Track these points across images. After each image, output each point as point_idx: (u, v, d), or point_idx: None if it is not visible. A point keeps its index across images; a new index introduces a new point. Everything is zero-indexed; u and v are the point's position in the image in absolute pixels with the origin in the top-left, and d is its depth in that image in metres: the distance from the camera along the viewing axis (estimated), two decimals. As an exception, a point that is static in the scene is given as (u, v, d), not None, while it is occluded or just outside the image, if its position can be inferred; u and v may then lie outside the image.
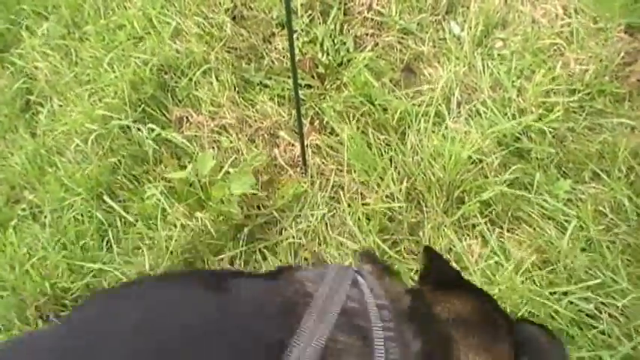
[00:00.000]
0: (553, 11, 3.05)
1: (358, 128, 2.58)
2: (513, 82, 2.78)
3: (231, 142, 2.59)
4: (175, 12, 3.09)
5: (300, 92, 2.77)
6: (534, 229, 2.34)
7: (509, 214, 2.38)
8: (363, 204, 2.38)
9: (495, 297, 1.45)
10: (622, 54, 2.85)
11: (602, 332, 2.11)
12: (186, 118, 2.73)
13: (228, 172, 2.44)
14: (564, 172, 2.53)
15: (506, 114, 2.67)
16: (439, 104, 2.67)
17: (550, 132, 2.58)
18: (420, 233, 2.32)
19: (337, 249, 2.34)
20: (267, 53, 2.96)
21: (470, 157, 2.41)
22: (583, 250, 2.27)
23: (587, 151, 2.52)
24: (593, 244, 2.28)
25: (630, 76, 2.87)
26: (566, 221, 2.34)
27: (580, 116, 2.66)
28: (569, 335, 2.09)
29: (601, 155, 2.52)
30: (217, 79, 2.78)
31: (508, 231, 2.35)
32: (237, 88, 2.78)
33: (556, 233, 2.31)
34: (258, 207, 2.43)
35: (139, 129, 2.69)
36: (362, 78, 2.70)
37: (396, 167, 2.47)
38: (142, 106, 2.76)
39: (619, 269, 2.19)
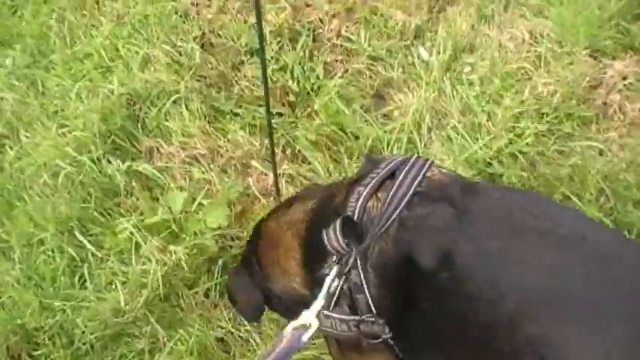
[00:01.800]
0: (520, 36, 3.15)
1: (331, 156, 2.64)
2: (483, 106, 2.86)
3: (202, 172, 2.62)
4: (143, 40, 3.12)
5: (272, 120, 2.83)
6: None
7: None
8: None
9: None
10: (587, 77, 2.96)
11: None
12: (157, 148, 2.76)
13: (201, 204, 2.48)
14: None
15: (476, 139, 2.75)
16: (411, 131, 2.75)
17: (520, 156, 2.66)
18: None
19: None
20: (236, 81, 3.00)
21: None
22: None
23: (558, 175, 2.61)
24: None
25: (596, 99, 2.98)
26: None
27: (549, 140, 2.75)
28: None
29: (571, 178, 2.61)
30: (187, 109, 2.81)
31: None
32: (207, 118, 2.82)
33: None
34: (232, 238, 2.47)
35: (109, 161, 2.71)
36: (333, 106, 2.76)
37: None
38: (112, 137, 2.78)
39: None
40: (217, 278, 2.37)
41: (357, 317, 1.45)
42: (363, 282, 1.41)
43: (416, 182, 1.42)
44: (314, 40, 3.11)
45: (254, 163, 2.65)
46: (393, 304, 1.42)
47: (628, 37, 3.19)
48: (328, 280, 1.43)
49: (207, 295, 2.38)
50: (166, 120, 2.82)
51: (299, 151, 2.70)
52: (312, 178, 2.60)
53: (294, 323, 1.38)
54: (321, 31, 3.15)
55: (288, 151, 2.73)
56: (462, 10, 3.29)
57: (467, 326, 1.28)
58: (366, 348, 1.52)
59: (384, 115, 2.91)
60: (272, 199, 2.57)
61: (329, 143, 2.68)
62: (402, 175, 1.44)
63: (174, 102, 2.85)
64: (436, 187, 1.44)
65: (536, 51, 3.08)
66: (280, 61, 3.00)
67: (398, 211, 1.38)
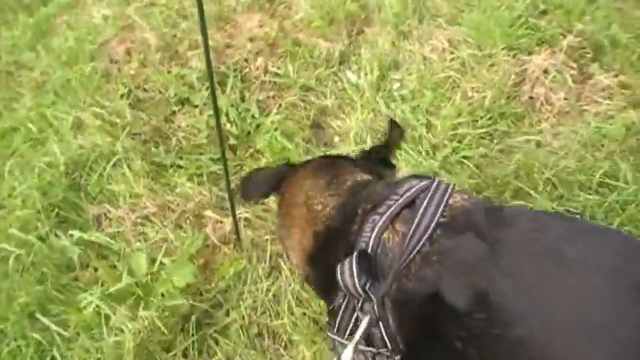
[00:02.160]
0: (440, 46, 3.25)
1: (284, 194, 2.64)
2: (419, 119, 2.93)
3: (157, 231, 2.58)
4: (69, 106, 3.05)
5: (214, 167, 2.81)
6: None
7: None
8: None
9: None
10: (512, 75, 3.07)
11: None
12: (105, 214, 2.70)
13: (162, 263, 2.43)
14: (486, 196, 2.69)
15: (420, 152, 2.81)
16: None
17: (466, 161, 2.74)
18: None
19: (288, 317, 2.37)
20: (172, 133, 2.97)
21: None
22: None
23: (505, 173, 2.69)
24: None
25: (523, 94, 3.10)
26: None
27: (490, 142, 2.84)
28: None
29: (518, 174, 2.69)
30: (130, 169, 2.76)
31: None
32: (151, 175, 2.78)
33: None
34: (200, 293, 2.43)
35: (57, 235, 2.63)
36: (276, 143, 2.77)
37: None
38: (56, 210, 2.70)
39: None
40: (193, 335, 2.32)
41: (373, 349, 1.42)
42: (379, 318, 1.37)
43: (439, 212, 1.34)
44: (242, 81, 3.12)
45: (207, 212, 2.62)
46: (413, 341, 1.37)
47: (539, 32, 3.33)
48: (343, 314, 1.45)
49: (185, 355, 2.33)
50: (109, 184, 2.76)
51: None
52: (269, 217, 2.59)
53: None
54: (247, 70, 3.17)
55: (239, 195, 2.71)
56: (380, 29, 3.37)
57: None
58: None
59: (326, 143, 2.94)
60: (232, 246, 2.54)
61: (279, 180, 2.69)
62: (424, 205, 1.37)
63: (115, 164, 2.80)
64: (460, 215, 1.36)
65: (458, 57, 3.18)
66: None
67: (420, 244, 1.30)
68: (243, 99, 3.04)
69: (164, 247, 2.49)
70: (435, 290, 1.26)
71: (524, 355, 1.13)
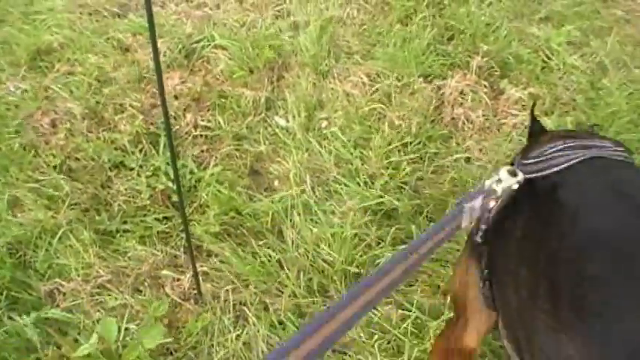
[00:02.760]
0: (360, 81, 3.41)
1: (238, 244, 2.70)
2: (352, 153, 3.06)
3: (115, 298, 2.58)
4: (3, 185, 3.02)
5: (163, 226, 2.84)
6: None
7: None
8: (274, 310, 2.49)
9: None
10: (432, 100, 3.26)
11: None
12: (57, 289, 2.67)
13: (127, 329, 2.44)
14: (429, 217, 2.84)
15: (358, 183, 2.93)
16: (297, 194, 2.87)
17: (405, 187, 2.88)
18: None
19: (261, 363, 2.42)
20: (112, 199, 2.98)
21: (355, 235, 2.63)
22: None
23: (442, 192, 2.86)
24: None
25: (445, 117, 3.28)
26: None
27: (422, 164, 3.00)
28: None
29: (454, 191, 2.86)
30: (77, 240, 2.75)
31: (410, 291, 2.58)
32: (99, 243, 2.77)
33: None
34: (171, 352, 2.44)
35: (10, 318, 2.59)
36: (221, 195, 2.83)
37: (287, 267, 2.61)
38: (5, 292, 2.66)
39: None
40: (169, 396, 2.34)
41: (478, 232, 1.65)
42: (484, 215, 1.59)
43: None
44: (174, 138, 3.16)
45: (164, 272, 2.65)
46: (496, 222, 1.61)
47: (449, 57, 3.55)
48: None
49: (163, 418, 2.34)
50: (57, 258, 2.74)
51: (205, 247, 2.72)
52: (225, 268, 2.64)
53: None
54: (178, 127, 3.22)
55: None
56: (300, 72, 3.50)
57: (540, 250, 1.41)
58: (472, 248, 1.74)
59: (266, 188, 3.02)
60: (194, 301, 2.58)
61: (230, 229, 2.75)
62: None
63: (60, 238, 2.78)
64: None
65: (379, 90, 3.35)
66: (150, 167, 3.03)
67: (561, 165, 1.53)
68: (178, 156, 3.08)
69: (126, 313, 2.50)
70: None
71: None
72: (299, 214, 2.75)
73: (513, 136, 3.20)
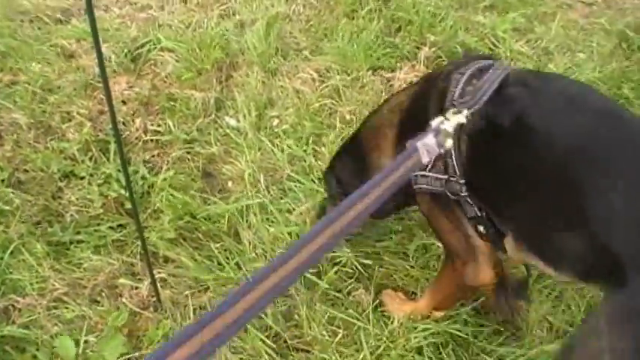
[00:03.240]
0: (309, 77, 3.43)
1: (194, 248, 2.69)
2: (305, 150, 3.07)
3: (72, 310, 2.55)
4: (-52, 202, 2.96)
5: (118, 234, 2.82)
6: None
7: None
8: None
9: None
10: (382, 94, 3.29)
11: None
12: (12, 305, 2.63)
13: (86, 342, 2.42)
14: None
15: (312, 180, 2.95)
16: (252, 195, 2.88)
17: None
18: (296, 316, 2.48)
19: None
20: (63, 209, 2.94)
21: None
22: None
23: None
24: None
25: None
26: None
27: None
28: None
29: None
30: (30, 254, 2.72)
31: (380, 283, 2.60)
32: (53, 255, 2.74)
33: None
34: (134, 361, 2.44)
35: (-36, 337, 2.55)
36: (175, 200, 2.82)
37: (245, 268, 2.61)
38: (-44, 312, 2.61)
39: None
40: (133, 408, 2.33)
41: (446, 177, 1.91)
42: (454, 147, 1.82)
43: (501, 76, 1.86)
44: (124, 144, 3.14)
45: (121, 281, 2.63)
46: (476, 165, 1.87)
47: (397, 49, 3.58)
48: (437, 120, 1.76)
49: None
50: (10, 273, 2.69)
51: (161, 253, 2.71)
52: (183, 274, 2.63)
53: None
54: (127, 132, 3.19)
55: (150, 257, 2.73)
56: (248, 71, 3.50)
57: (530, 168, 1.77)
58: (445, 204, 2.01)
59: (220, 190, 3.02)
60: (153, 309, 2.56)
61: (186, 234, 2.74)
62: (491, 70, 1.89)
63: (12, 252, 2.74)
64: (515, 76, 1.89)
65: (329, 85, 3.37)
66: (101, 175, 3.00)
67: (489, 92, 1.81)
68: (129, 162, 3.06)
69: (85, 326, 2.48)
70: (493, 121, 1.80)
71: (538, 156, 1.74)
72: (255, 215, 2.75)
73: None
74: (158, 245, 2.71)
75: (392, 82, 3.41)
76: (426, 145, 1.59)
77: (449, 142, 1.70)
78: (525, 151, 1.77)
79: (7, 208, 2.89)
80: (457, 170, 1.88)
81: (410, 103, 2.13)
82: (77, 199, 2.97)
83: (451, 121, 1.72)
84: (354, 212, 1.29)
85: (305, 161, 3.02)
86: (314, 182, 2.93)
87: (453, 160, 1.87)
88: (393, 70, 3.51)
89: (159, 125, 3.21)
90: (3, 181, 3.03)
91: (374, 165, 2.24)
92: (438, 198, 2.01)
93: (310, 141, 3.12)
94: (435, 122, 1.70)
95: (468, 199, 1.92)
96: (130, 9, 4.11)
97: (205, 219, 2.77)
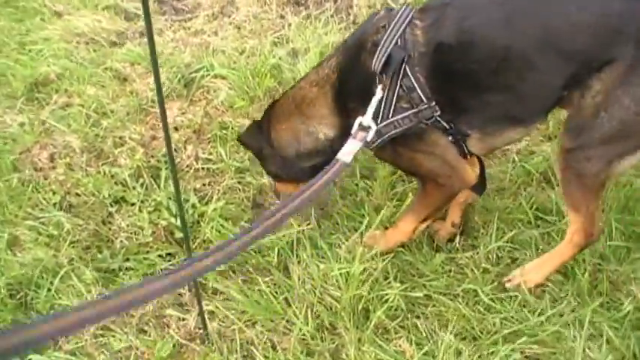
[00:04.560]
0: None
1: (244, 280, 2.71)
2: (357, 183, 3.08)
3: (120, 340, 2.59)
4: (2, 223, 3.03)
5: (167, 262, 2.85)
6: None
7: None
8: (282, 349, 2.50)
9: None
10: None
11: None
12: (60, 331, 2.68)
13: (133, 372, 2.45)
14: (436, 247, 2.86)
15: (363, 215, 2.95)
16: (303, 229, 2.89)
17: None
18: (344, 355, 2.48)
19: (269, 404, 2.43)
20: (114, 235, 2.99)
21: (364, 270, 2.64)
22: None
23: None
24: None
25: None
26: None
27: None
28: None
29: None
30: (79, 279, 2.76)
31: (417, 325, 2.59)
32: (101, 282, 2.78)
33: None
34: (178, 394, 2.46)
35: (12, 361, 2.59)
36: (225, 230, 2.85)
37: (294, 304, 2.62)
38: (6, 335, 2.66)
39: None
40: None
41: (415, 109, 2.32)
42: (414, 82, 2.28)
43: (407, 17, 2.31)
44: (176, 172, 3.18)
45: (169, 311, 2.66)
46: (437, 84, 2.29)
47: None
48: (378, 92, 2.31)
49: None
50: (59, 298, 2.74)
51: (211, 285, 2.73)
52: (231, 306, 2.64)
53: (356, 124, 2.27)
54: (179, 160, 3.24)
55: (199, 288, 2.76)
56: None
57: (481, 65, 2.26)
58: (424, 131, 2.40)
59: (270, 221, 3.03)
60: (199, 341, 2.58)
61: (235, 267, 2.76)
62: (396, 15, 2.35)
63: (62, 277, 2.79)
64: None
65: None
66: (151, 202, 3.05)
67: (406, 21, 2.30)
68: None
69: (131, 356, 2.51)
70: (437, 42, 2.26)
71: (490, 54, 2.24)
72: (305, 248, 2.76)
73: (516, 161, 3.22)
74: (207, 277, 2.73)
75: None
76: (348, 154, 2.12)
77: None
78: (470, 56, 2.24)
79: (56, 231, 2.95)
80: (424, 97, 2.29)
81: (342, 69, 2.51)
82: (127, 225, 3.02)
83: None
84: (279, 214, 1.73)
85: (357, 196, 3.02)
86: (363, 217, 2.92)
87: (418, 92, 2.29)
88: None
89: (210, 153, 3.26)
90: (55, 204, 3.10)
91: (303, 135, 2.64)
92: (405, 138, 2.41)
93: (363, 175, 3.12)
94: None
95: (439, 118, 2.34)
96: (183, 33, 4.19)
97: (255, 251, 2.79)
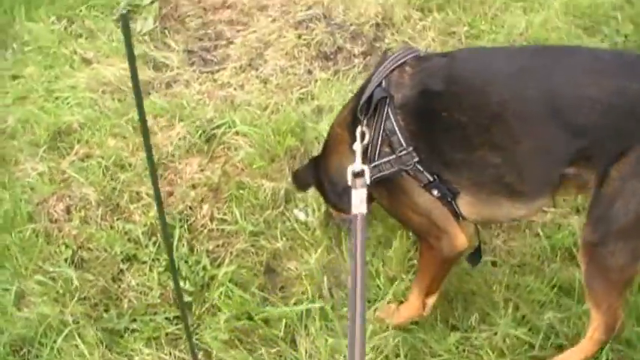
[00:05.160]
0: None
1: (249, 350, 2.66)
2: (373, 252, 3.01)
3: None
4: (11, 275, 3.02)
5: (173, 327, 2.81)
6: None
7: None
8: None
9: None
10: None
11: None
12: (58, 393, 2.65)
13: None
14: (452, 324, 2.78)
15: (378, 287, 2.88)
16: (314, 297, 2.83)
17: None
18: None
19: None
20: (122, 294, 2.97)
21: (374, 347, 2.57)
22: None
23: (464, 297, 2.82)
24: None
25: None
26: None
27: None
28: None
29: (475, 296, 2.81)
30: (83, 340, 2.73)
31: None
32: (105, 343, 2.75)
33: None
34: None
35: (10, 423, 2.56)
36: (234, 297, 2.80)
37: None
38: (5, 394, 2.64)
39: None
40: None
41: (394, 155, 2.28)
42: (395, 125, 2.25)
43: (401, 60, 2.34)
44: (189, 231, 3.16)
45: (172, 380, 2.62)
46: (418, 129, 2.26)
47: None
48: (358, 132, 2.32)
49: None
50: (60, 357, 2.72)
51: (214, 353, 2.68)
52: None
53: (349, 175, 2.27)
54: (194, 219, 3.22)
55: (201, 354, 2.71)
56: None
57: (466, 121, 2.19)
58: (407, 181, 2.33)
59: (281, 287, 2.98)
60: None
61: (241, 336, 2.71)
62: (390, 57, 2.39)
63: (66, 336, 2.76)
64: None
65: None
66: (162, 261, 3.02)
67: (392, 67, 2.31)
68: (192, 250, 3.07)
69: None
70: (423, 86, 2.25)
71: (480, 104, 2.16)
72: (314, 321, 2.70)
73: (541, 235, 3.13)
74: (212, 345, 2.68)
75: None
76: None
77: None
78: (459, 106, 2.18)
79: (64, 287, 2.94)
80: (403, 142, 2.25)
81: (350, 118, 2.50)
82: (137, 284, 2.99)
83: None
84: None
85: (372, 265, 2.96)
86: (379, 288, 2.86)
87: (398, 135, 2.25)
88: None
89: (225, 214, 3.23)
90: (66, 259, 3.09)
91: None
92: (394, 186, 2.39)
93: (379, 243, 3.06)
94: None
95: (419, 166, 2.28)
96: (210, 85, 4.19)
97: (263, 322, 2.74)
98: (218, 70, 4.36)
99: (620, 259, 2.15)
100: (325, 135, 2.91)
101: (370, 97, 2.28)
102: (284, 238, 3.13)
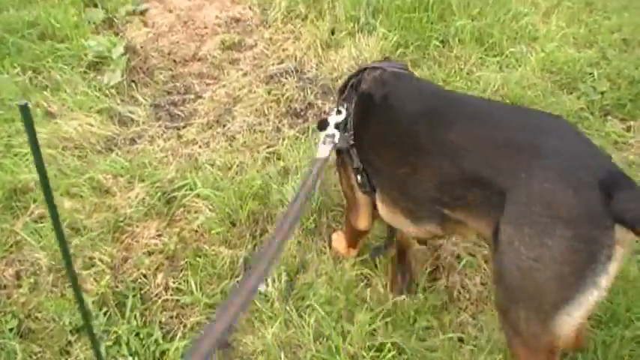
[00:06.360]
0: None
1: None
2: (333, 326, 2.90)
3: None
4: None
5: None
6: None
7: None
8: None
9: None
10: (426, 267, 3.12)
11: None
12: None
13: None
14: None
15: (336, 365, 2.77)
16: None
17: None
18: None
19: None
20: (69, 368, 2.85)
21: None
22: None
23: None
24: None
25: (438, 285, 3.13)
26: None
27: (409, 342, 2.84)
28: None
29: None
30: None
31: None
32: None
33: None
34: None
35: None
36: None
37: None
38: None
39: None
40: None
41: (345, 133, 2.71)
42: (351, 108, 2.73)
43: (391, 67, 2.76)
44: (142, 301, 3.05)
45: None
46: (358, 121, 2.68)
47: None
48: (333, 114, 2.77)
49: None
50: None
51: None
52: None
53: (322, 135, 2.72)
54: (148, 288, 3.11)
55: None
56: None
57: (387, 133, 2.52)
58: (348, 158, 2.76)
59: (237, 364, 2.87)
60: None
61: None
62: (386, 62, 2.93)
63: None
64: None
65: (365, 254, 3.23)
66: (112, 334, 2.90)
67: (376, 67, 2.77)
68: (145, 322, 2.96)
69: None
70: (370, 92, 2.66)
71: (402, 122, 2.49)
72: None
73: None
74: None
75: (438, 252, 3.26)
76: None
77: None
78: (384, 121, 2.53)
79: (7, 362, 2.82)
80: (350, 125, 2.69)
81: None
82: (84, 358, 2.87)
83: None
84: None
85: (332, 341, 2.84)
86: (338, 367, 2.75)
87: (350, 118, 2.70)
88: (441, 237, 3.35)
89: (180, 283, 3.12)
90: (11, 330, 2.96)
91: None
92: (341, 157, 2.84)
93: (340, 316, 2.95)
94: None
95: (353, 150, 2.68)
96: (174, 142, 4.11)
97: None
98: (184, 126, 4.29)
99: (531, 325, 1.98)
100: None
101: (347, 81, 2.86)
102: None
